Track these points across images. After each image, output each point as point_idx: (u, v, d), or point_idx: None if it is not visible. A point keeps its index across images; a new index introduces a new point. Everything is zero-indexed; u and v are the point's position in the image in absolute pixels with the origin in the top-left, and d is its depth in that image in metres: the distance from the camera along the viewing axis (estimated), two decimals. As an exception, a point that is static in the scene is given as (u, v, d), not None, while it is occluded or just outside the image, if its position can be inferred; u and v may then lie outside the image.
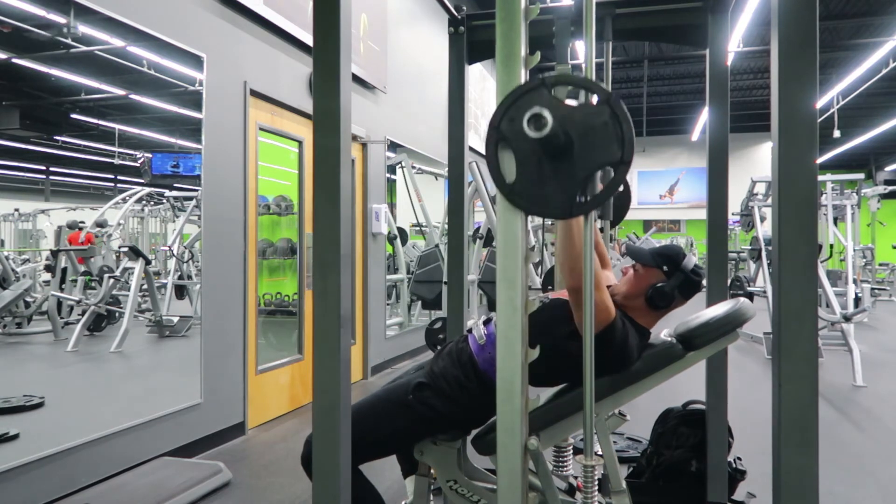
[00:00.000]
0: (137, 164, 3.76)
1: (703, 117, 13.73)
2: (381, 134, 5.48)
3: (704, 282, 2.09)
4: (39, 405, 2.92)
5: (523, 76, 1.26)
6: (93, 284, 3.89)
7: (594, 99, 1.16)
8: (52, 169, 3.61)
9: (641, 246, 2.22)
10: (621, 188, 1.91)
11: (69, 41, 2.89)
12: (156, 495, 2.61)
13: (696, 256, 2.23)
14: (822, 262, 7.37)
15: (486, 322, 1.92)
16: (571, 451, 2.45)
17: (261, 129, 3.98)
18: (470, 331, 1.94)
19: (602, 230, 2.44)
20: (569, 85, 1.18)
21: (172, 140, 3.95)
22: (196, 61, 3.36)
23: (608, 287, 1.87)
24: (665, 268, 1.89)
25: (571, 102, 1.19)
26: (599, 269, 1.68)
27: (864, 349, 5.96)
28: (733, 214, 9.09)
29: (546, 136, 1.07)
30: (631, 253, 1.95)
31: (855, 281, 7.88)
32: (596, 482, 1.46)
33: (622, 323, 1.76)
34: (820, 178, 5.07)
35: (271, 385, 4.08)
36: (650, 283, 1.89)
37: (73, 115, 3.40)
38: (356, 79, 4.92)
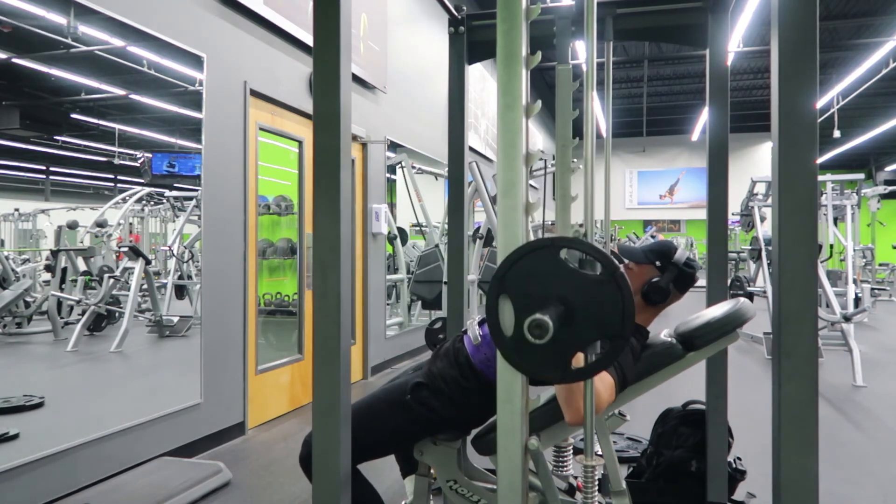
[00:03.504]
0: (137, 164, 3.76)
1: (703, 117, 13.73)
2: (381, 134, 5.48)
3: (702, 278, 2.09)
4: (39, 405, 2.92)
5: (524, 76, 1.26)
6: (93, 284, 3.89)
7: (599, 267, 1.17)
8: (52, 169, 3.60)
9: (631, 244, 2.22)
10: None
11: (69, 41, 2.89)
12: (156, 495, 2.61)
13: (692, 255, 2.22)
14: (822, 262, 7.38)
15: (481, 323, 1.92)
16: (571, 451, 2.45)
17: (261, 129, 3.98)
18: (465, 331, 1.94)
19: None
20: (577, 250, 1.18)
21: (172, 140, 3.95)
22: (196, 61, 3.36)
23: None
24: (658, 263, 1.90)
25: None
26: (600, 392, 1.64)
27: (864, 349, 5.96)
28: (733, 214, 9.10)
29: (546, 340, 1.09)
30: (623, 252, 1.96)
31: (855, 281, 7.88)
32: (596, 482, 1.46)
33: (622, 381, 1.73)
34: (820, 178, 5.07)
35: (271, 385, 4.08)
36: (645, 279, 1.89)
37: (73, 115, 3.40)
38: (356, 79, 4.92)
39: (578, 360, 1.27)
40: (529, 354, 1.16)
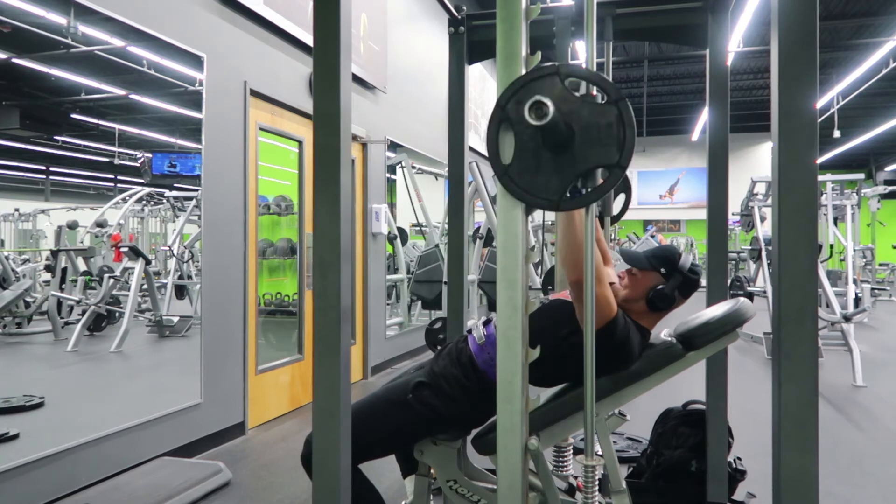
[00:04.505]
0: (137, 164, 3.76)
1: (703, 117, 13.73)
2: (381, 134, 5.49)
3: (703, 280, 2.09)
4: (39, 405, 2.92)
5: (523, 76, 1.26)
6: (93, 284, 3.89)
7: (601, 97, 1.17)
8: (52, 169, 3.61)
9: (636, 249, 2.22)
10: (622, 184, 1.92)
11: (69, 41, 2.89)
12: (156, 495, 2.61)
13: (692, 255, 2.21)
14: (822, 262, 7.37)
15: (486, 322, 1.93)
16: (571, 451, 2.45)
17: (261, 129, 3.98)
18: (470, 331, 1.94)
19: (602, 226, 2.44)
20: (583, 79, 1.18)
21: (172, 140, 3.95)
22: (196, 61, 3.36)
23: (610, 284, 1.87)
24: (662, 270, 1.89)
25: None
26: (601, 264, 1.68)
27: (864, 349, 5.96)
28: (733, 214, 9.09)
29: (545, 125, 1.08)
30: (626, 257, 1.95)
31: (855, 281, 7.88)
32: (596, 482, 1.46)
33: (624, 319, 1.76)
34: (820, 178, 5.07)
35: (271, 385, 4.08)
36: (649, 285, 1.89)
37: (73, 115, 3.40)
38: (356, 79, 4.92)
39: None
40: (528, 176, 1.16)
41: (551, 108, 1.06)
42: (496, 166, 1.18)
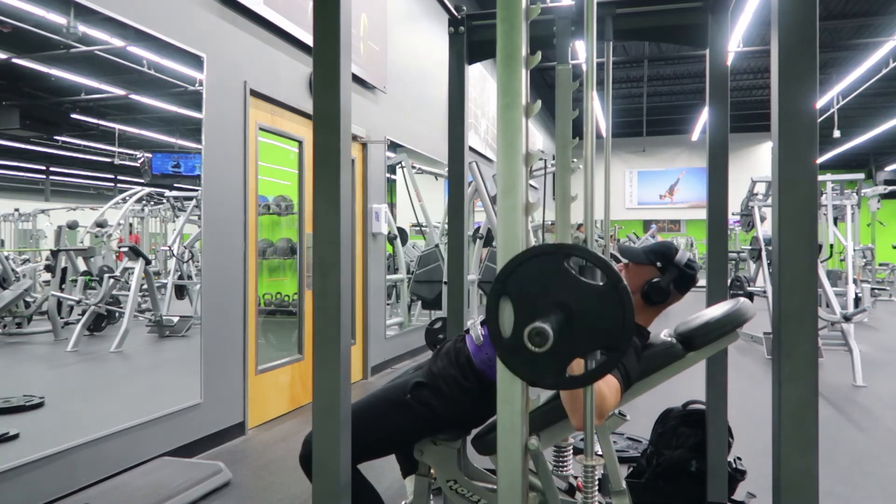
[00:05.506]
0: (137, 164, 3.76)
1: (703, 117, 13.72)
2: (381, 134, 5.48)
3: (702, 278, 2.10)
4: (39, 405, 2.92)
5: (524, 76, 1.26)
6: (93, 284, 3.89)
7: (600, 275, 1.16)
8: (52, 169, 3.61)
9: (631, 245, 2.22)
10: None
11: (69, 41, 2.89)
12: (156, 495, 2.61)
13: (690, 252, 2.20)
14: (822, 262, 7.37)
15: (483, 323, 1.92)
16: (571, 451, 2.45)
17: (261, 129, 3.98)
18: (467, 331, 1.94)
19: None
20: (584, 259, 1.17)
21: (172, 140, 3.95)
22: (196, 61, 3.36)
23: None
24: (659, 264, 1.90)
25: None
26: (604, 395, 1.63)
27: (864, 349, 5.96)
28: (733, 214, 9.09)
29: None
30: (623, 252, 1.96)
31: (855, 281, 7.88)
32: (596, 482, 1.45)
33: (625, 377, 1.71)
34: (820, 178, 5.07)
35: (271, 385, 4.08)
36: (645, 279, 1.89)
37: (73, 115, 3.40)
38: (356, 79, 4.92)
39: (578, 364, 1.27)
40: (527, 359, 1.16)
41: (551, 336, 1.07)
42: (496, 339, 1.19)
